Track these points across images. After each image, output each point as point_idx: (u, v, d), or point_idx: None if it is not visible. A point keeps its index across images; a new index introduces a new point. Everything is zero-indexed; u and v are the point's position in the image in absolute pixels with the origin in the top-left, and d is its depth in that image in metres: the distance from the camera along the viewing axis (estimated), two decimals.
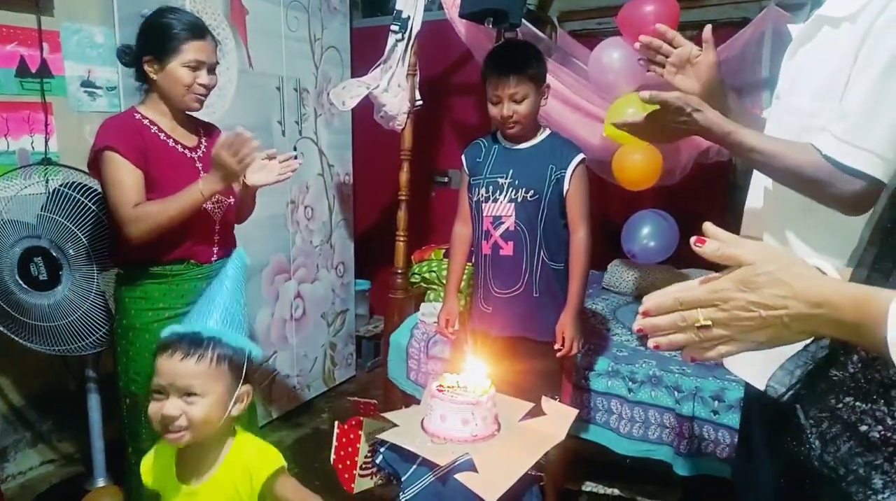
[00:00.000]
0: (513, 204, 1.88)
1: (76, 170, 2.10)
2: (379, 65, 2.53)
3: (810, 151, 1.08)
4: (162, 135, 1.72)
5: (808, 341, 0.76)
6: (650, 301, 0.67)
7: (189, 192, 1.63)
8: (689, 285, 0.66)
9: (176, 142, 1.73)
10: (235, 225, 1.93)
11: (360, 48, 3.31)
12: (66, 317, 1.98)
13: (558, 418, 1.64)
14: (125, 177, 1.62)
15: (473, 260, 2.06)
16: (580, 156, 1.88)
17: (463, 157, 2.02)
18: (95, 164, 1.67)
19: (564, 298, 1.90)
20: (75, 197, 1.97)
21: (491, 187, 1.91)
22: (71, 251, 1.99)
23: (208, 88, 1.73)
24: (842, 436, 0.68)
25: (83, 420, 2.27)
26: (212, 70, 1.74)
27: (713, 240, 0.66)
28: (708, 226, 0.68)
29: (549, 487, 2.04)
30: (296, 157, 1.83)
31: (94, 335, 2.01)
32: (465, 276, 2.74)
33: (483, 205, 1.93)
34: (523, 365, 1.89)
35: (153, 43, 1.68)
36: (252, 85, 2.65)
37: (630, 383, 2.13)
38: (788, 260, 0.64)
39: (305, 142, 3.01)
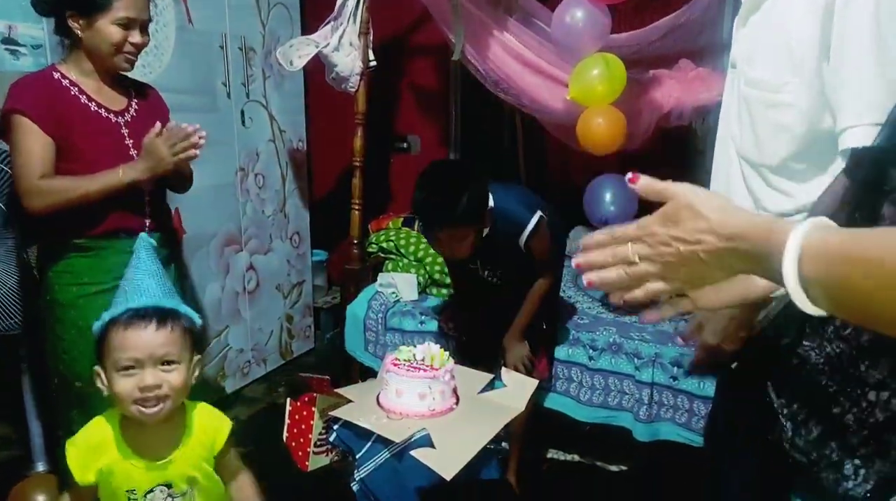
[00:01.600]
0: (493, 277, 1.94)
1: None
2: (329, 21, 2.39)
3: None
4: (83, 98, 1.57)
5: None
6: (589, 236, 0.67)
7: (108, 176, 1.53)
8: (628, 223, 0.65)
9: (100, 105, 1.59)
10: (178, 194, 1.81)
11: (313, 5, 3.13)
12: None
13: (518, 389, 1.60)
14: (32, 144, 1.49)
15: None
16: (531, 225, 1.77)
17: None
18: (2, 126, 1.53)
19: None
20: None
21: (466, 269, 1.92)
22: None
23: (140, 48, 1.60)
24: (812, 418, 0.63)
25: (19, 402, 2.14)
26: (144, 28, 1.59)
27: (644, 177, 0.65)
28: (642, 179, 0.67)
29: (512, 455, 2.03)
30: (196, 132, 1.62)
31: (22, 313, 1.87)
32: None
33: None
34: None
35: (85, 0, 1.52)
36: (192, 43, 2.47)
37: (591, 351, 2.11)
38: (710, 194, 0.62)
39: (253, 105, 2.85)
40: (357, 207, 2.54)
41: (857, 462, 0.61)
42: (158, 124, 1.58)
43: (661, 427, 2.00)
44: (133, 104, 1.68)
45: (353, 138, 2.49)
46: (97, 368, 1.12)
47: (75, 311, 1.57)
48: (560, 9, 2.32)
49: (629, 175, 0.66)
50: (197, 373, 1.18)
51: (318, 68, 2.54)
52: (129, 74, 1.68)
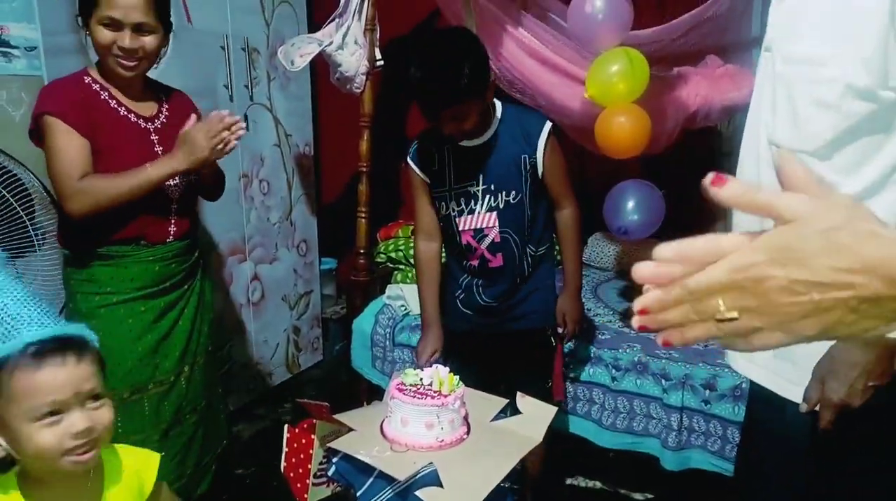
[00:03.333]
0: (494, 212, 1.64)
1: None
2: (334, 19, 2.27)
3: None
4: (113, 103, 1.56)
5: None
6: (650, 297, 0.46)
7: (136, 175, 1.48)
8: (702, 254, 0.44)
9: (129, 110, 1.58)
10: (210, 201, 1.81)
11: (321, 3, 3.02)
12: None
13: (535, 417, 1.46)
14: (69, 145, 1.46)
15: (445, 250, 1.82)
16: (547, 128, 1.61)
17: (410, 163, 1.70)
18: (37, 131, 1.50)
19: (551, 279, 1.75)
20: None
21: (463, 199, 1.65)
22: None
23: (132, 52, 1.49)
24: None
25: None
26: (140, 30, 1.49)
27: (737, 181, 0.44)
28: (781, 153, 0.47)
29: (527, 484, 1.89)
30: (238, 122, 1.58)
31: None
32: None
33: (457, 219, 1.68)
34: (515, 356, 1.76)
35: None
36: (191, 43, 2.37)
37: (613, 371, 1.96)
38: (853, 211, 0.42)
39: (257, 108, 2.74)
40: (363, 215, 2.42)
41: None
42: (194, 116, 1.58)
43: (691, 454, 1.85)
44: (163, 110, 1.65)
45: (360, 142, 2.38)
46: None
47: (97, 321, 1.52)
48: None
49: (710, 176, 0.45)
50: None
51: (326, 69, 2.43)
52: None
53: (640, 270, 0.45)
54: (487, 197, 1.63)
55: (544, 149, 1.60)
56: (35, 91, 2.26)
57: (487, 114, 1.59)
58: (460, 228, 1.68)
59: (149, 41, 1.50)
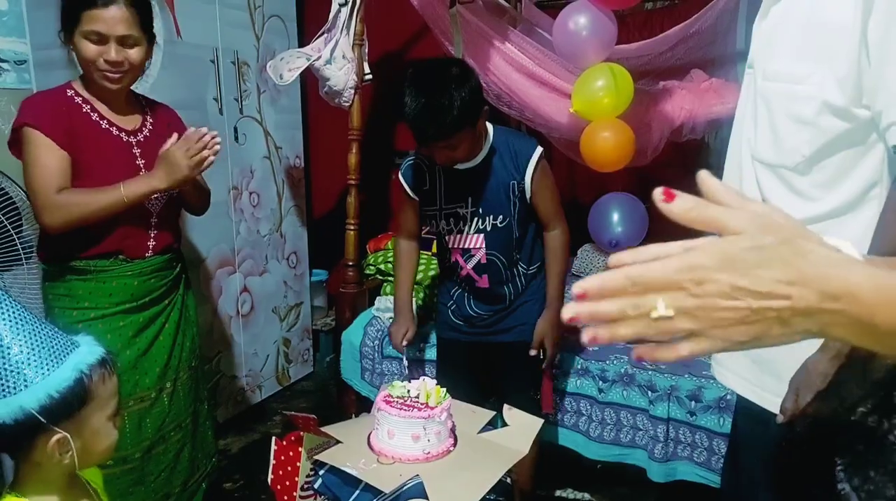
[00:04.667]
0: (481, 234, 1.67)
1: None
2: (322, 33, 2.29)
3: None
4: (95, 116, 1.55)
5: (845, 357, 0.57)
6: (592, 279, 0.46)
7: (110, 192, 1.47)
8: (655, 254, 0.45)
9: (111, 124, 1.57)
10: (195, 216, 1.79)
11: (311, 18, 3.05)
12: None
13: (522, 429, 1.47)
14: (47, 158, 1.45)
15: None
16: (536, 154, 1.62)
17: (402, 179, 1.72)
18: (16, 143, 1.49)
19: (542, 292, 1.76)
20: None
21: (452, 219, 1.68)
22: None
23: (118, 65, 1.48)
24: None
25: None
26: (126, 43, 1.49)
27: (686, 197, 0.46)
28: (704, 175, 0.48)
29: (517, 494, 1.90)
30: (213, 136, 1.56)
31: None
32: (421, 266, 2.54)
33: (446, 237, 1.72)
34: (504, 368, 1.77)
35: (62, 11, 1.48)
36: (181, 57, 2.38)
37: (600, 382, 1.97)
38: (795, 229, 0.45)
39: (248, 121, 2.75)
40: (352, 227, 2.43)
41: None
42: (175, 135, 1.55)
43: (677, 466, 1.85)
44: (147, 124, 1.64)
45: (349, 155, 2.39)
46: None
47: None
48: (563, 15, 2.21)
49: (659, 191, 0.46)
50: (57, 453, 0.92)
51: (316, 82, 2.44)
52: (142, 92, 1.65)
53: (585, 284, 0.46)
54: (475, 219, 1.66)
55: (532, 175, 1.62)
56: None
57: (479, 138, 1.61)
58: (449, 246, 1.72)
59: (133, 53, 1.50)
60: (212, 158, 1.54)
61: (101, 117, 1.55)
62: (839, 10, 0.93)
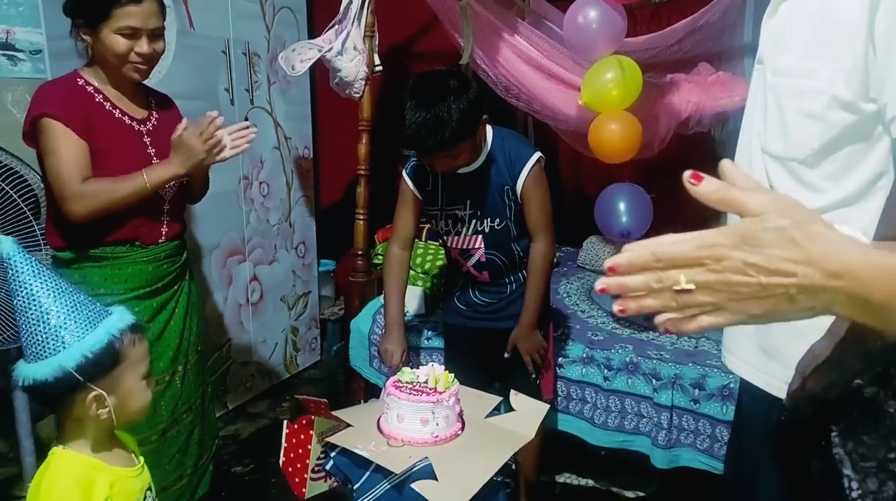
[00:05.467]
0: (479, 235, 1.70)
1: None
2: (333, 25, 2.31)
3: None
4: (108, 105, 1.57)
5: (843, 334, 0.61)
6: (621, 256, 0.52)
7: (134, 180, 1.50)
8: (675, 238, 0.50)
9: (123, 112, 1.59)
10: (192, 204, 1.82)
11: (320, 9, 3.07)
12: None
13: (528, 414, 1.50)
14: (69, 148, 1.48)
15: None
16: (531, 161, 1.63)
17: (406, 177, 1.74)
18: (32, 133, 1.51)
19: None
20: None
21: (451, 220, 1.72)
22: None
23: (150, 57, 1.54)
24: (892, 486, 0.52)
25: (12, 419, 2.07)
26: (155, 36, 1.54)
27: (712, 179, 0.51)
28: (726, 163, 0.53)
29: (521, 481, 1.93)
30: (248, 127, 1.66)
31: (13, 327, 1.80)
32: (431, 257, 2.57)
33: (446, 237, 1.76)
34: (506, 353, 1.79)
35: (83, 6, 1.49)
36: (193, 48, 2.41)
37: (605, 370, 2.00)
38: (806, 214, 0.49)
39: (258, 112, 2.78)
40: (361, 217, 2.46)
41: None
42: (185, 121, 1.60)
43: (681, 453, 1.88)
44: (153, 113, 1.67)
45: (358, 145, 2.41)
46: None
47: None
48: (573, 9, 2.22)
49: (688, 174, 0.51)
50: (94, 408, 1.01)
51: (325, 73, 2.47)
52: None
53: (614, 259, 0.51)
54: (474, 221, 1.69)
55: (524, 181, 1.64)
56: None
57: (479, 145, 1.63)
58: (449, 245, 1.77)
59: (160, 45, 1.56)
60: (245, 146, 1.60)
61: (114, 106, 1.58)
62: (847, 6, 0.95)
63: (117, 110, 1.58)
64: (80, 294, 1.03)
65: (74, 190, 1.46)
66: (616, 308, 0.52)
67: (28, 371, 0.98)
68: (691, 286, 0.49)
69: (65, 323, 0.98)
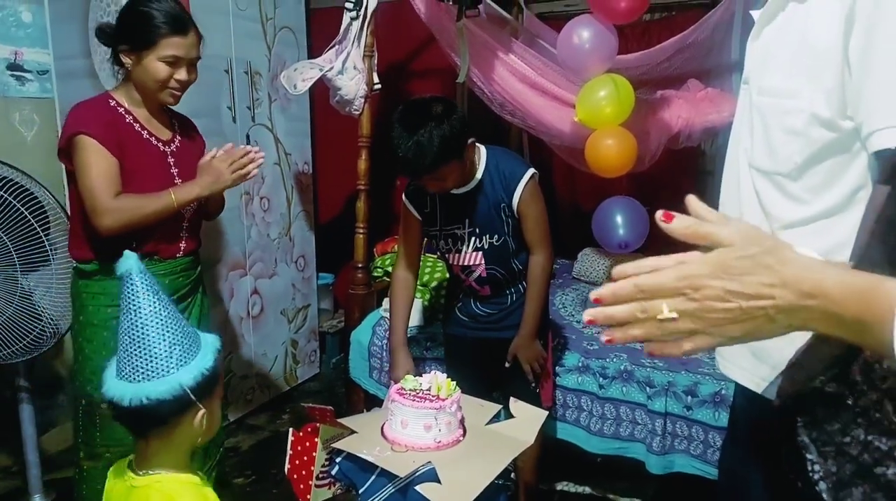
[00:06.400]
0: (479, 252, 1.76)
1: (1, 163, 1.92)
2: (333, 45, 2.38)
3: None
4: (137, 126, 1.66)
5: (810, 340, 0.66)
6: (606, 288, 0.56)
7: (162, 198, 1.59)
8: (653, 266, 0.55)
9: (150, 134, 1.68)
10: (207, 221, 1.90)
11: (319, 30, 3.14)
12: None
13: (527, 420, 1.55)
14: (103, 165, 1.56)
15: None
16: (525, 177, 1.69)
17: (405, 200, 1.80)
18: (67, 150, 1.58)
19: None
20: None
21: (451, 239, 1.78)
22: None
23: (186, 84, 1.67)
24: (855, 479, 0.58)
25: (18, 431, 2.10)
26: (192, 65, 1.67)
27: (683, 217, 0.55)
28: (692, 199, 0.57)
29: (521, 487, 1.97)
30: (257, 151, 1.74)
31: (21, 341, 1.84)
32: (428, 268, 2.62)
33: (447, 255, 1.82)
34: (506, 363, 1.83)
35: (130, 33, 1.59)
36: (198, 67, 2.46)
37: (601, 379, 2.05)
38: (775, 242, 0.54)
39: (259, 129, 2.84)
40: (361, 231, 2.51)
41: None
42: (215, 149, 1.69)
43: (675, 458, 1.93)
44: (177, 135, 1.76)
45: (358, 161, 2.47)
46: None
47: (107, 332, 1.60)
48: (566, 29, 2.30)
49: (660, 213, 0.55)
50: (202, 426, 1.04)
51: (324, 91, 2.53)
52: None
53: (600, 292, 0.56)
54: (473, 239, 1.75)
55: (520, 197, 1.70)
56: (46, 113, 2.36)
57: (470, 166, 1.69)
58: (450, 262, 1.83)
59: (194, 73, 1.69)
60: (255, 171, 1.69)
61: (142, 127, 1.67)
62: (825, 32, 1.02)
63: (145, 131, 1.67)
64: (177, 313, 1.04)
65: (106, 204, 1.54)
66: (604, 338, 0.56)
67: (138, 390, 0.96)
68: (674, 315, 0.53)
69: (180, 342, 0.99)
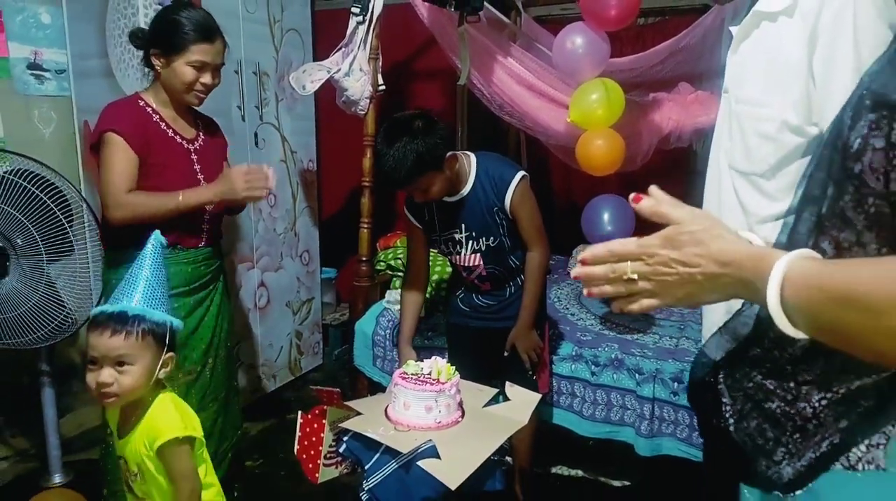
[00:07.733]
0: (477, 254, 1.88)
1: (24, 156, 2.01)
2: (340, 48, 2.48)
3: None
4: (163, 125, 1.77)
5: (732, 314, 0.79)
6: (588, 251, 0.72)
7: (170, 199, 1.69)
8: (625, 240, 0.70)
9: (176, 132, 1.79)
10: (229, 216, 2.02)
11: (324, 32, 3.24)
12: (16, 310, 1.91)
13: (522, 403, 1.65)
14: (123, 161, 1.67)
15: (452, 268, 2.06)
16: (516, 179, 1.79)
17: (406, 211, 1.93)
18: (98, 145, 1.70)
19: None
20: (23, 185, 1.89)
21: (450, 243, 1.90)
22: (19, 241, 1.91)
23: (211, 87, 1.78)
24: (752, 413, 0.73)
25: (38, 415, 2.20)
26: (217, 70, 1.78)
27: (649, 198, 0.70)
28: (653, 188, 0.72)
29: (517, 471, 2.07)
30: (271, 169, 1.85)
31: (45, 327, 1.94)
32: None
33: (449, 257, 1.96)
34: (504, 351, 1.94)
35: (162, 38, 1.72)
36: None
37: (593, 367, 2.16)
38: (712, 222, 0.67)
39: (266, 127, 2.94)
40: (366, 226, 2.61)
41: (784, 449, 0.69)
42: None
43: (662, 442, 2.04)
44: (201, 134, 1.88)
45: (363, 159, 2.56)
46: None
47: None
48: (561, 35, 2.40)
49: (633, 195, 0.70)
50: (169, 368, 1.29)
51: (329, 92, 2.62)
52: None
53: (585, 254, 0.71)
54: (470, 242, 1.87)
55: (511, 199, 1.80)
56: (63, 110, 2.46)
57: (459, 173, 1.79)
58: (453, 263, 1.96)
59: (219, 78, 1.79)
60: (264, 194, 1.80)
61: (168, 126, 1.79)
62: (793, 47, 1.16)
63: (171, 129, 1.79)
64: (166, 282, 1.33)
65: (117, 198, 1.67)
66: (585, 292, 0.72)
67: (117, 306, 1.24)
68: (635, 275, 0.68)
69: (156, 296, 1.29)
